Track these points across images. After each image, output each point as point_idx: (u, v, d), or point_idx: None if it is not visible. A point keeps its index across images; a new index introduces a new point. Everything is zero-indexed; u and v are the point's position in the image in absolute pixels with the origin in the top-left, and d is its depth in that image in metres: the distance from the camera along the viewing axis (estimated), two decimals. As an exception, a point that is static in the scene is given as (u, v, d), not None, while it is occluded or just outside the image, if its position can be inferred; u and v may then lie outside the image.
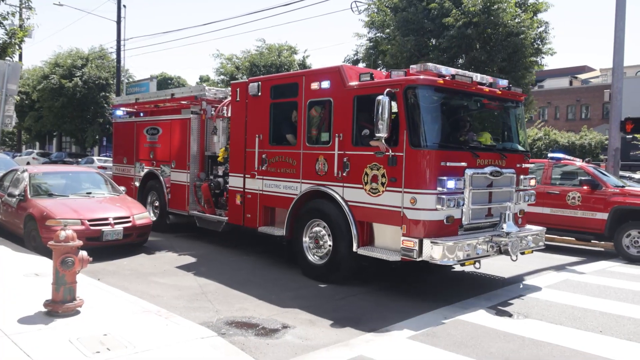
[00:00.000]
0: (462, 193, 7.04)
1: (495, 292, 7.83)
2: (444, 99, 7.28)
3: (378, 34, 28.55)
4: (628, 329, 6.32)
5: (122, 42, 34.45)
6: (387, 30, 26.18)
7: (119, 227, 9.48)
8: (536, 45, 24.75)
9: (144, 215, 10.15)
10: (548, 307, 7.12)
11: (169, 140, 11.78)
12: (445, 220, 6.94)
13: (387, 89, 6.97)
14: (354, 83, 7.74)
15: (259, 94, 9.26)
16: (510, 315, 6.70)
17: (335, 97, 7.92)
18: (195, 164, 11.25)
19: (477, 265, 7.29)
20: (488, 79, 7.83)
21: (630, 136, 18.39)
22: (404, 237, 6.94)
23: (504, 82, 8.05)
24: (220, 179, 10.70)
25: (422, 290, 7.98)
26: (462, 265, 7.03)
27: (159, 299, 6.85)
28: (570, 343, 5.70)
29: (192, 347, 4.91)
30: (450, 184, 6.85)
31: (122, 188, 11.52)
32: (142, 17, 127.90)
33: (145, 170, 12.65)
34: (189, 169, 11.20)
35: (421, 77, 7.05)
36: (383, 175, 7.20)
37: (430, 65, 7.21)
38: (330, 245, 7.94)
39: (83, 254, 5.73)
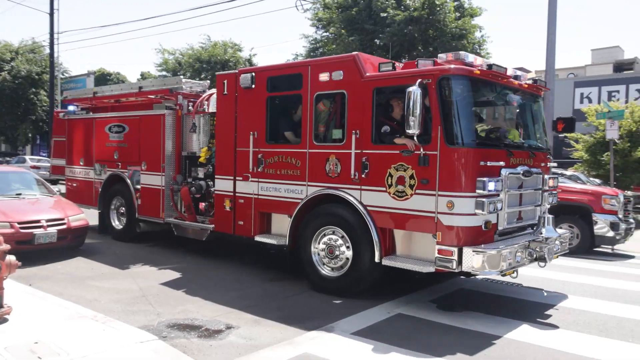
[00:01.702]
0: (498, 195, 6.40)
1: (439, 286, 7.78)
2: (479, 91, 6.61)
3: (324, 34, 28.50)
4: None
5: (55, 36, 32.09)
6: (333, 29, 26.16)
7: (53, 230, 9.06)
8: (475, 49, 25.46)
9: (79, 217, 9.75)
10: (486, 298, 7.28)
11: (138, 139, 10.51)
12: (483, 226, 6.27)
13: (419, 80, 6.20)
14: (372, 73, 6.92)
15: (253, 86, 8.26)
16: (452, 309, 6.72)
17: (349, 90, 7.07)
18: (171, 165, 10.06)
19: (514, 274, 6.66)
20: (515, 70, 7.24)
21: (562, 135, 18.87)
22: (439, 245, 6.20)
23: (528, 75, 7.49)
24: (201, 182, 9.58)
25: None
26: (503, 275, 6.37)
27: (96, 304, 6.58)
28: (503, 331, 5.91)
29: (131, 352, 4.79)
30: (491, 185, 6.18)
31: (55, 188, 10.89)
32: (79, 9, 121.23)
33: (109, 173, 11.28)
34: (164, 171, 10.00)
35: (456, 66, 6.33)
36: (412, 177, 6.44)
37: (462, 53, 6.50)
38: (348, 256, 7.09)
39: (11, 258, 5.49)
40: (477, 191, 6.12)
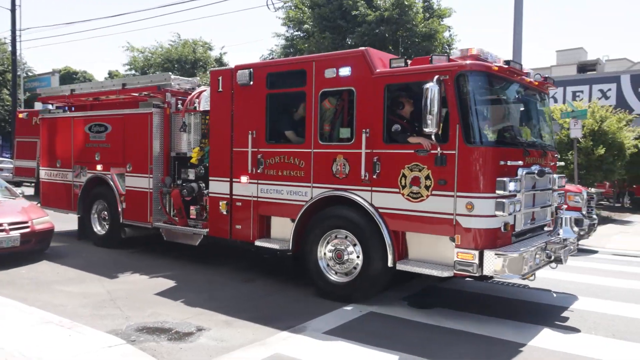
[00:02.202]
0: (516, 196, 6.19)
1: (410, 284, 7.72)
2: (496, 87, 6.39)
3: (296, 33, 28.39)
4: None
5: (18, 33, 30.85)
6: (306, 26, 26.11)
7: (16, 234, 8.79)
8: (445, 49, 25.85)
9: (44, 220, 9.51)
10: (456, 295, 7.42)
11: (123, 139, 9.95)
12: (502, 228, 6.05)
13: (436, 76, 5.93)
14: (384, 69, 6.63)
15: (251, 83, 7.86)
16: (424, 306, 6.73)
17: (358, 86, 6.76)
18: (159, 166, 9.54)
19: (532, 278, 6.46)
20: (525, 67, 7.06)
21: None
22: (458, 248, 5.95)
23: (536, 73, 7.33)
24: (193, 184, 9.10)
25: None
26: (524, 279, 6.15)
27: (62, 309, 6.37)
28: (476, 327, 5.97)
29: (98, 358, 4.71)
30: (512, 185, 5.97)
31: (19, 191, 10.66)
32: (44, 6, 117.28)
33: (89, 175, 10.66)
34: (152, 172, 9.48)
35: (474, 62, 6.09)
36: (427, 177, 6.17)
37: (478, 48, 6.27)
38: (357, 261, 6.78)
39: None
40: (498, 192, 5.89)
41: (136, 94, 10.01)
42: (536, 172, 6.57)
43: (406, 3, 23.96)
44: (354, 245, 6.80)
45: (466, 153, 5.91)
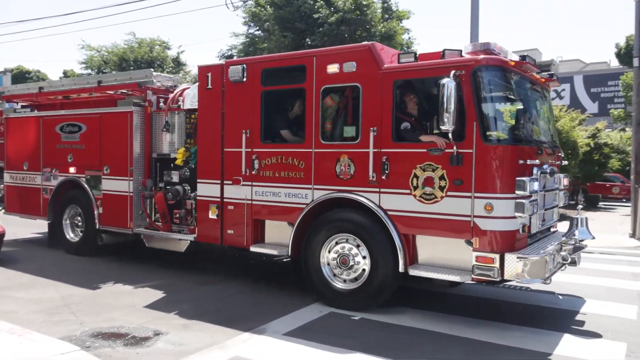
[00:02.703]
0: (532, 196, 5.95)
1: None
2: (512, 83, 6.14)
3: (256, 32, 28.07)
4: None
5: (-33, 30, 29.22)
6: (267, 24, 25.88)
7: None
8: (404, 50, 26.13)
9: None
10: (420, 294, 7.35)
11: (99, 139, 9.27)
12: (520, 230, 5.81)
13: (453, 71, 5.63)
14: (393, 65, 6.30)
15: (244, 79, 7.39)
16: (385, 306, 6.54)
17: (364, 83, 6.40)
18: (140, 168, 8.93)
19: (548, 282, 6.25)
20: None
21: None
22: (477, 252, 5.66)
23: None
24: (178, 187, 8.56)
25: (302, 284, 7.24)
26: (545, 283, 5.90)
27: (13, 315, 6.15)
28: (444, 327, 5.94)
29: None
30: (533, 186, 5.74)
31: None
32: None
33: (61, 179, 9.93)
34: (132, 175, 8.86)
35: (491, 57, 5.83)
36: (442, 177, 5.87)
37: (491, 43, 6.01)
38: (365, 267, 6.41)
39: None
40: (517, 192, 5.64)
41: (112, 92, 9.36)
42: (548, 171, 6.38)
43: (364, 3, 24.10)
44: (361, 249, 6.44)
45: (484, 152, 5.64)
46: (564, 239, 6.32)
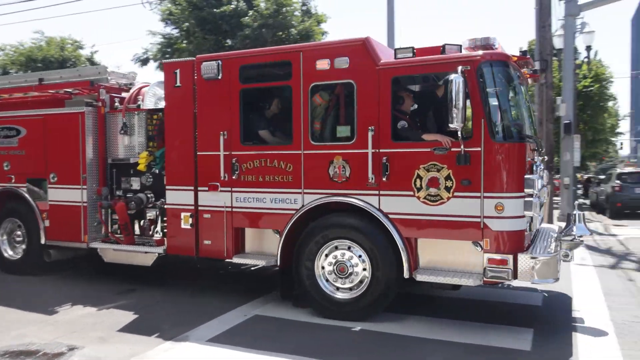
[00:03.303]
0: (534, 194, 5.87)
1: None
2: (513, 79, 6.01)
3: (174, 31, 27.27)
4: None
5: None
6: (186, 24, 25.28)
7: None
8: None
9: None
10: None
11: (43, 144, 8.25)
12: (527, 229, 5.70)
13: (460, 67, 5.40)
14: (391, 60, 5.98)
15: (219, 77, 6.79)
16: (305, 306, 6.56)
17: (359, 79, 6.04)
18: (94, 175, 8.03)
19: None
20: None
21: None
22: (489, 254, 5.48)
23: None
24: (141, 195, 7.78)
25: (226, 288, 7.54)
26: (554, 282, 5.80)
27: None
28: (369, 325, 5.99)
29: None
30: (539, 183, 5.64)
31: None
32: None
33: (-5, 189, 8.77)
34: (85, 183, 7.95)
35: (495, 52, 5.67)
36: (448, 178, 5.63)
37: (490, 37, 5.85)
38: (365, 274, 6.06)
39: None
40: (526, 190, 5.52)
41: (53, 91, 8.36)
42: (542, 167, 6.35)
43: (283, 2, 24.30)
44: (360, 256, 6.08)
45: (494, 150, 5.45)
46: (562, 235, 6.30)
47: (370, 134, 5.93)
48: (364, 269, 6.06)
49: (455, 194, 5.61)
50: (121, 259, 7.90)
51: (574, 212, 6.40)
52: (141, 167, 7.69)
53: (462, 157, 5.51)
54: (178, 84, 7.13)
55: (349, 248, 6.15)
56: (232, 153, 6.75)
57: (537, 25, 14.61)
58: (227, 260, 6.99)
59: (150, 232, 7.84)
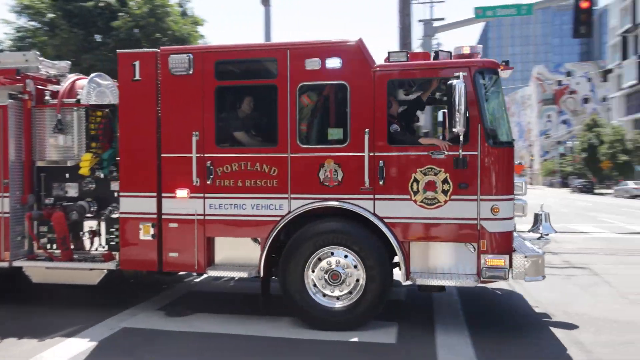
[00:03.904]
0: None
1: (166, 293, 7.67)
2: (499, 86, 6.30)
3: (32, 22, 25.04)
4: None
5: None
6: (50, 16, 23.45)
7: None
8: None
9: None
10: (214, 298, 7.49)
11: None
12: (514, 230, 6.02)
13: (461, 72, 5.55)
14: (386, 63, 5.94)
15: (191, 72, 6.22)
16: (182, 314, 6.58)
17: (353, 81, 5.91)
18: (18, 181, 6.85)
19: None
20: None
21: None
22: (486, 254, 5.67)
23: None
24: (82, 203, 6.79)
25: (93, 300, 7.25)
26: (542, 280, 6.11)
27: None
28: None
29: None
30: (525, 186, 5.98)
31: None
32: None
33: None
34: (7, 190, 6.72)
35: (488, 59, 5.92)
36: (445, 181, 5.74)
37: (478, 46, 6.08)
38: (361, 281, 5.90)
39: None
40: (516, 192, 5.83)
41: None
42: None
43: (157, 2, 23.62)
44: (353, 262, 5.93)
45: (490, 154, 5.67)
46: (530, 234, 6.75)
47: (366, 137, 5.82)
48: (359, 276, 5.91)
49: (453, 197, 5.73)
50: (57, 278, 6.83)
51: (540, 211, 6.90)
52: (84, 171, 6.71)
53: (460, 161, 5.64)
54: (137, 77, 6.38)
55: (339, 254, 5.96)
56: (206, 155, 6.20)
57: (400, 42, 16.04)
58: (197, 273, 6.40)
59: (90, 246, 6.88)
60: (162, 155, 6.34)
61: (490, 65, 5.87)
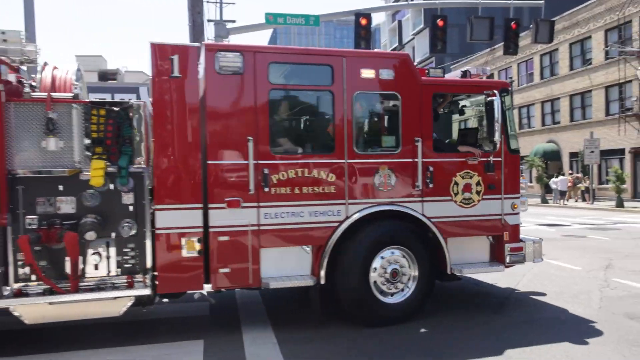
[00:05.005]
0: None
1: None
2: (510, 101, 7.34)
3: None
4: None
5: None
6: None
7: None
8: None
9: None
10: None
11: None
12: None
13: (494, 91, 6.48)
14: (431, 78, 6.53)
15: (242, 71, 5.76)
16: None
17: (404, 92, 6.32)
18: (-4, 196, 5.24)
19: None
20: None
21: None
22: (510, 243, 6.77)
23: None
24: (91, 219, 5.55)
25: None
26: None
27: None
28: None
29: None
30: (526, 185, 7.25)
31: None
32: None
33: None
34: (-13, 208, 5.11)
35: (506, 81, 6.95)
36: (478, 183, 6.64)
37: (487, 68, 7.13)
38: (414, 276, 6.37)
39: None
40: (521, 191, 7.06)
41: None
42: None
43: None
44: (407, 260, 6.37)
45: (510, 160, 6.79)
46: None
47: (419, 144, 6.32)
48: (411, 273, 6.38)
49: (484, 197, 6.66)
50: (62, 314, 5.47)
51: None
52: (97, 182, 5.49)
53: (490, 165, 6.62)
54: (176, 73, 5.59)
55: (396, 253, 6.33)
56: (260, 162, 5.83)
57: (191, 41, 15.57)
58: (253, 288, 5.95)
59: (98, 272, 5.70)
60: (209, 162, 5.71)
61: (507, 85, 6.97)
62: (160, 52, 5.58)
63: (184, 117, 5.63)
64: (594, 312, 6.78)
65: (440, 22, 15.21)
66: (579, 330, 6.10)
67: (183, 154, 5.64)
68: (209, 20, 30.57)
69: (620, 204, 25.86)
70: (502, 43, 16.97)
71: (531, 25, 17.57)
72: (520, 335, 5.93)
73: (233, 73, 5.72)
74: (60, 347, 5.66)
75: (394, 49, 57.99)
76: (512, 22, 16.66)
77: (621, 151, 31.23)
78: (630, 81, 30.19)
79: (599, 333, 5.98)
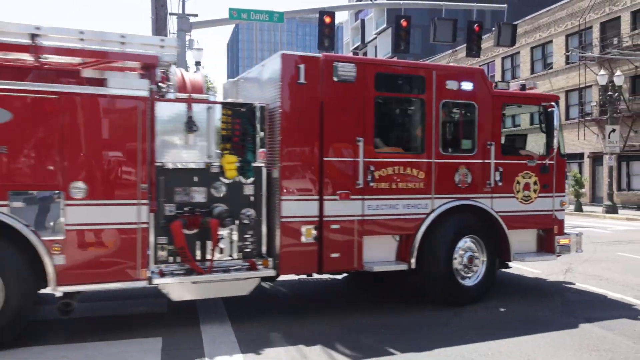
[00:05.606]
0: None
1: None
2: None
3: None
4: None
5: None
6: None
7: None
8: None
9: None
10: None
11: (60, 136, 5.37)
12: (556, 217, 8.38)
13: (551, 103, 7.59)
14: (500, 90, 7.59)
15: (354, 80, 6.59)
16: None
17: (479, 101, 7.32)
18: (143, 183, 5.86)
19: None
20: None
21: None
22: (559, 236, 7.89)
23: None
24: (221, 208, 6.22)
25: None
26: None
27: None
28: None
29: None
30: (567, 186, 8.39)
31: None
32: None
33: None
34: (144, 196, 5.74)
35: (556, 94, 8.07)
36: (535, 183, 7.72)
37: (536, 83, 8.24)
38: (484, 262, 7.37)
39: None
40: (566, 190, 8.20)
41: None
42: None
43: None
44: (479, 248, 7.37)
45: (560, 162, 7.91)
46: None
47: (492, 148, 7.34)
48: (483, 258, 7.39)
49: (540, 195, 7.75)
50: (200, 292, 6.15)
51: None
52: (231, 174, 6.23)
53: (545, 167, 7.72)
54: (302, 80, 6.37)
55: (472, 242, 7.32)
56: (366, 160, 6.68)
57: (154, 34, 14.72)
58: (354, 270, 6.78)
59: (223, 256, 6.39)
60: (325, 158, 6.50)
61: (558, 98, 8.08)
62: (287, 60, 6.34)
63: (307, 119, 6.41)
64: (555, 317, 6.79)
65: (404, 23, 15.65)
66: (541, 334, 6.04)
67: (306, 151, 6.41)
68: (171, 14, 30.36)
69: (579, 208, 26.27)
70: (465, 45, 17.53)
71: (493, 28, 18.06)
72: (485, 337, 5.93)
73: (346, 81, 6.53)
74: (16, 344, 5.36)
75: (356, 48, 58.97)
76: (475, 25, 16.94)
77: (580, 155, 32.72)
78: (590, 86, 30.82)
79: (560, 338, 5.95)
